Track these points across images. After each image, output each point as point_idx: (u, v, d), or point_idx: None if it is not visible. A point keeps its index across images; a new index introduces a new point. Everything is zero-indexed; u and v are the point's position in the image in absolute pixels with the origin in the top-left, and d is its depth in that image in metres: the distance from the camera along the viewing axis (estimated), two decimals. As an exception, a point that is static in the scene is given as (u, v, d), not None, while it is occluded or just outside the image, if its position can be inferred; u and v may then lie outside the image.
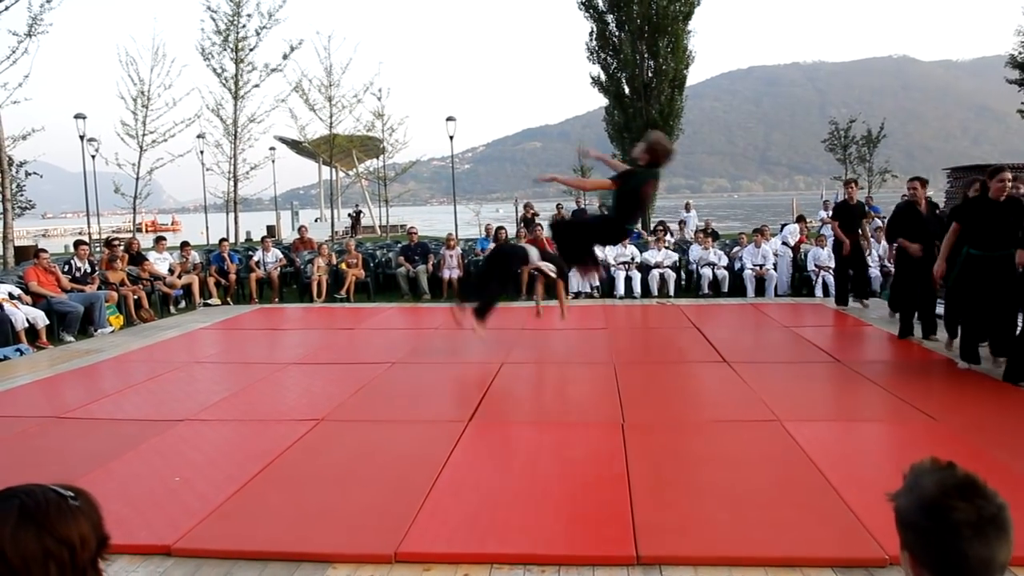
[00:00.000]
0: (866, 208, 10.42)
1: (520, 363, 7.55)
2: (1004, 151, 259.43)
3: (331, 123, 27.00)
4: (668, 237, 14.98)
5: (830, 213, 18.99)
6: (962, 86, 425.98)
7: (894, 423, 5.41)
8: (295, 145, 39.75)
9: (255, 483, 4.33)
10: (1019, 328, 6.56)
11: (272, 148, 37.70)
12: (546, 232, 6.08)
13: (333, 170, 37.31)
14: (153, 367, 7.68)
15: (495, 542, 3.52)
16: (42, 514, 1.09)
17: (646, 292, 12.91)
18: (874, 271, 12.05)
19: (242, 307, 12.53)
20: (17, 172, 17.42)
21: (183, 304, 12.77)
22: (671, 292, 12.93)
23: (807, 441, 4.81)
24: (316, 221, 43.43)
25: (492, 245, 14.11)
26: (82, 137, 23.82)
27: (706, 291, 12.91)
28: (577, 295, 12.74)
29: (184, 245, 14.17)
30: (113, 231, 35.46)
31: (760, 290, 12.77)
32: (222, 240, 14.99)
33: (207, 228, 32.28)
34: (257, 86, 24.40)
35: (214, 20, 23.46)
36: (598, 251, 13.32)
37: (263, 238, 16.22)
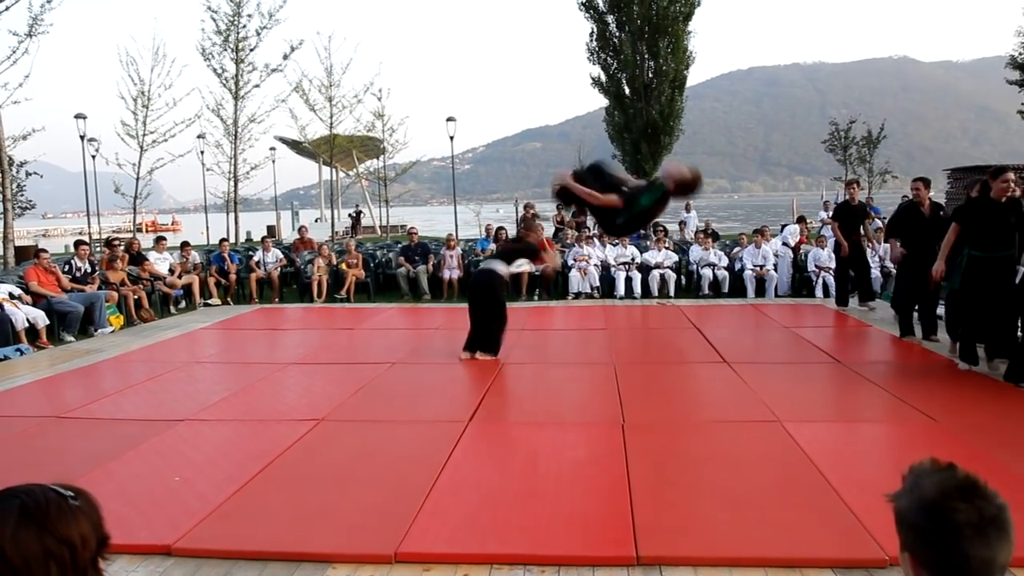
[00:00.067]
0: (868, 209, 10.38)
1: (520, 363, 7.55)
2: (1004, 152, 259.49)
3: (331, 123, 27.00)
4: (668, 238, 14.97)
5: (830, 214, 19.05)
6: (962, 87, 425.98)
7: (894, 424, 5.41)
8: (295, 145, 39.76)
9: (255, 483, 4.33)
10: (1020, 330, 6.56)
11: (272, 148, 37.73)
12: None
13: (333, 170, 37.33)
14: (153, 367, 7.69)
15: (495, 542, 3.52)
16: (42, 514, 1.09)
17: (646, 293, 12.91)
18: (874, 272, 12.04)
19: (242, 307, 12.53)
20: (17, 172, 17.43)
21: (183, 304, 12.77)
22: (671, 293, 12.93)
23: (807, 442, 4.81)
24: (316, 221, 43.45)
25: (492, 246, 14.12)
26: (82, 137, 23.82)
27: (706, 292, 12.91)
28: (577, 295, 12.75)
29: (184, 245, 14.17)
30: (113, 231, 35.47)
31: (760, 291, 12.77)
32: (222, 240, 15.00)
33: (207, 228, 32.28)
34: (257, 86, 24.43)
35: (214, 20, 23.48)
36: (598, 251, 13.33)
37: (263, 238, 16.23)
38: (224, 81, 23.97)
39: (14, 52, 15.83)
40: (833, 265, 12.62)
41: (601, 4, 22.92)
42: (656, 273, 13.07)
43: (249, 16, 23.83)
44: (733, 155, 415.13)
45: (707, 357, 7.61)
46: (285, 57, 24.41)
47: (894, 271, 11.21)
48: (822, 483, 4.12)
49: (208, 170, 26.55)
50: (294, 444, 5.02)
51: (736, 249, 13.78)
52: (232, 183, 25.21)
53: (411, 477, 4.35)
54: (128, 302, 11.25)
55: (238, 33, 23.70)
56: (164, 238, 14.42)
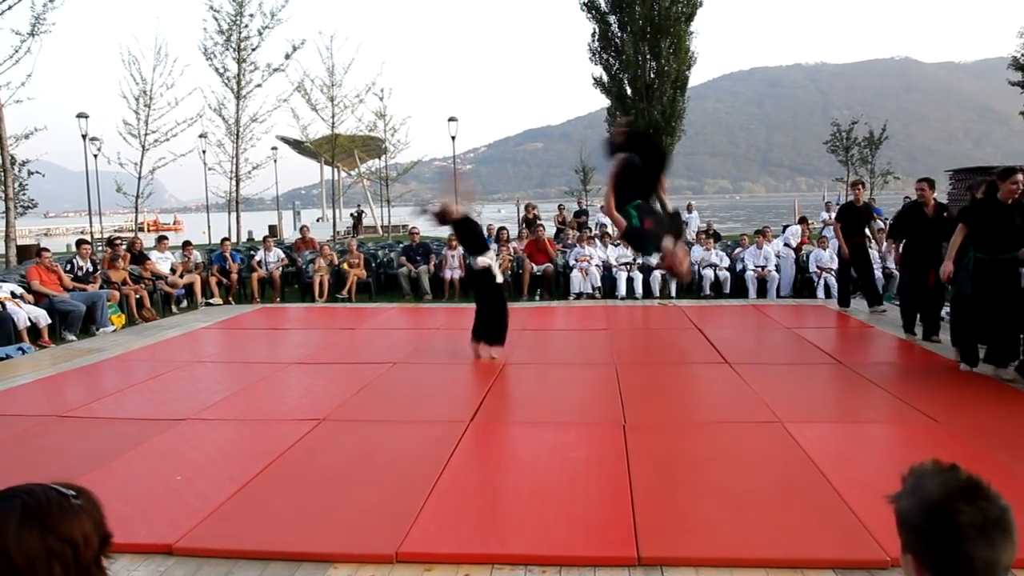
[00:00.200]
0: (872, 210, 10.34)
1: (521, 364, 7.55)
2: (1007, 153, 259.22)
3: (333, 123, 27.00)
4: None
5: (832, 214, 19.04)
6: (964, 88, 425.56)
7: (895, 425, 5.41)
8: (297, 145, 39.77)
9: (256, 483, 4.33)
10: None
11: (274, 148, 37.71)
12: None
13: (335, 170, 37.31)
14: (155, 366, 7.69)
15: (496, 542, 3.52)
16: (45, 513, 1.09)
17: (648, 293, 12.91)
18: (876, 273, 12.02)
19: (244, 307, 12.54)
20: (20, 171, 17.43)
21: (185, 303, 12.78)
22: (672, 293, 12.93)
23: (808, 442, 4.81)
24: (318, 221, 43.43)
25: (494, 246, 14.11)
26: (84, 136, 23.84)
27: (708, 292, 12.90)
28: (579, 295, 12.75)
29: (186, 244, 14.18)
30: (115, 230, 35.50)
31: (762, 291, 12.76)
32: (224, 240, 15.01)
33: (209, 228, 32.30)
34: (259, 86, 24.39)
35: (216, 20, 23.46)
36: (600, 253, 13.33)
37: (265, 238, 16.24)
38: (226, 80, 23.97)
39: (16, 51, 15.84)
40: (835, 266, 12.62)
41: (603, 4, 22.92)
42: (657, 273, 13.05)
43: (251, 16, 23.84)
44: (735, 156, 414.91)
45: (708, 358, 7.61)
46: (287, 57, 24.41)
47: (896, 272, 11.21)
48: (823, 484, 4.12)
49: (210, 169, 26.56)
50: (295, 444, 5.02)
51: (738, 250, 13.78)
52: (234, 183, 25.20)
53: (412, 477, 4.35)
54: (130, 301, 11.26)
55: (240, 33, 23.70)
56: (166, 237, 14.43)
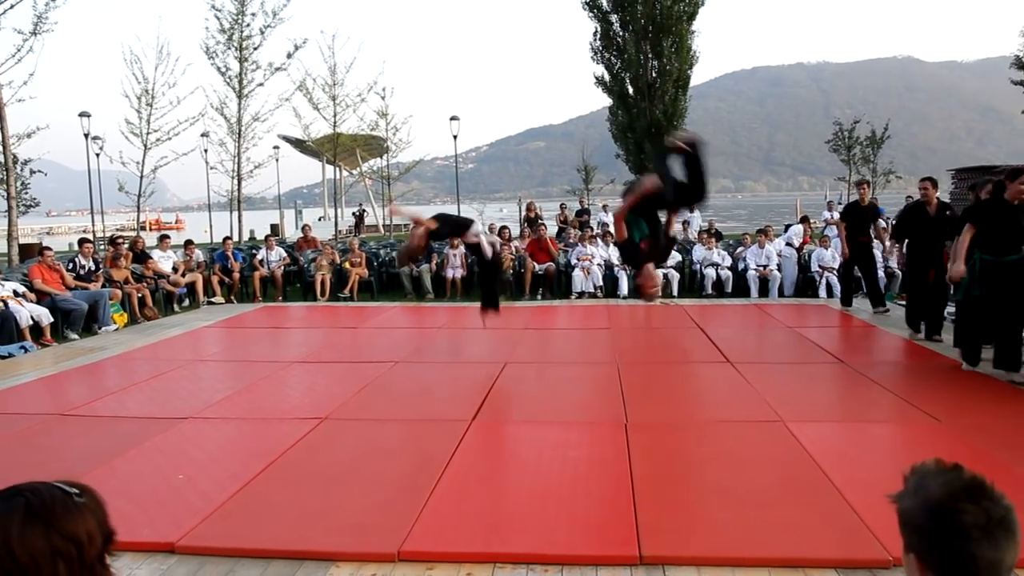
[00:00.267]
0: (879, 210, 10.23)
1: (523, 363, 7.55)
2: (1009, 152, 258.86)
3: (335, 122, 26.99)
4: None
5: (834, 214, 19.01)
6: (967, 87, 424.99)
7: (897, 424, 5.40)
8: (299, 144, 39.76)
9: (258, 481, 4.34)
10: None
11: (276, 147, 37.73)
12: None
13: (337, 169, 37.30)
14: (157, 365, 7.70)
15: (498, 541, 3.52)
16: (48, 511, 1.09)
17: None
18: (879, 272, 12.01)
19: (246, 305, 12.55)
20: (22, 170, 17.43)
21: (187, 302, 12.79)
22: (675, 292, 12.92)
23: (810, 442, 4.80)
24: (320, 220, 43.45)
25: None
26: (86, 135, 23.85)
27: (709, 291, 12.89)
28: (580, 295, 12.75)
29: (188, 243, 14.20)
30: (117, 229, 35.52)
31: (764, 291, 12.76)
32: (226, 238, 15.03)
33: (211, 226, 32.29)
34: (261, 85, 24.40)
35: (218, 19, 23.47)
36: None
37: (267, 237, 16.27)
38: (228, 80, 23.97)
39: (19, 50, 15.86)
40: (837, 265, 12.60)
41: (605, 3, 22.89)
42: (659, 272, 13.04)
43: (253, 15, 23.84)
44: (737, 155, 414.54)
45: (710, 357, 7.60)
46: (289, 56, 24.40)
47: (899, 271, 11.20)
48: (825, 483, 4.12)
49: (212, 168, 26.55)
50: (297, 443, 5.02)
51: (739, 249, 13.77)
52: (236, 181, 25.21)
53: (414, 476, 4.35)
54: (132, 300, 11.27)
55: (242, 32, 23.70)
56: (168, 236, 14.45)
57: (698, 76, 23.83)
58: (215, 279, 13.26)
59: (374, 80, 28.13)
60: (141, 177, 23.32)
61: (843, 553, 3.35)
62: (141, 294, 11.49)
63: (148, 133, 22.86)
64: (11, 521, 1.07)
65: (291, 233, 32.50)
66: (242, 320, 10.80)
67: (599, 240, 13.90)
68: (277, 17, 23.70)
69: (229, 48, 23.69)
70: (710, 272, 13.02)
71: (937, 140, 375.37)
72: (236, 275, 13.53)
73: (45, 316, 9.61)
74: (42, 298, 10.00)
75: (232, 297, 13.36)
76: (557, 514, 3.80)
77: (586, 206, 21.01)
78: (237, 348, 8.84)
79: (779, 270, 12.92)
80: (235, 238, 21.58)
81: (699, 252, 13.71)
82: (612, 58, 23.08)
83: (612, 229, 14.93)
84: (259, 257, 14.09)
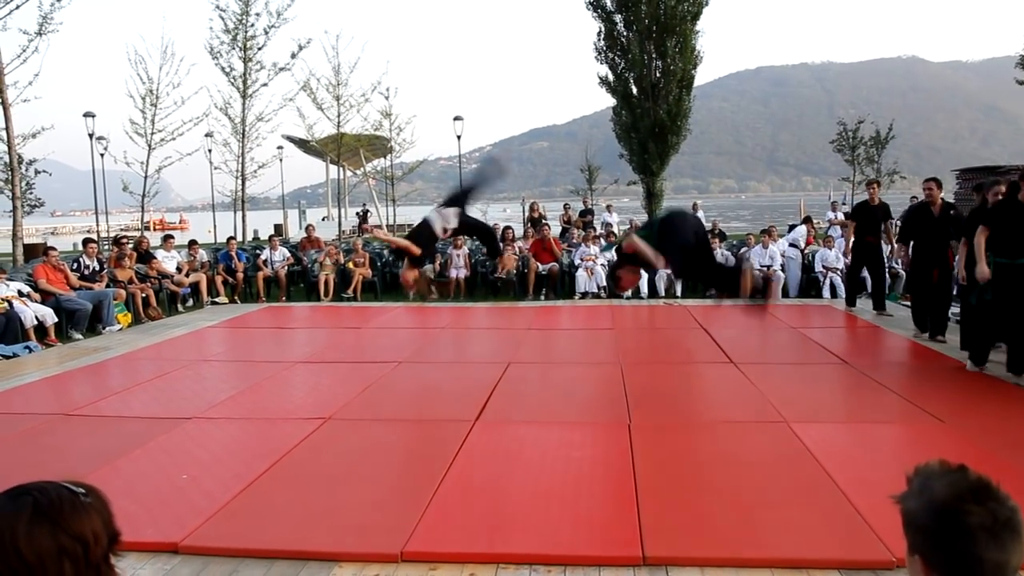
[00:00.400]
0: (890, 210, 10.08)
1: (527, 363, 7.55)
2: (1014, 152, 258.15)
3: (339, 122, 27.02)
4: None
5: (838, 214, 18.98)
6: (971, 87, 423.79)
7: (901, 425, 5.39)
8: (303, 144, 39.83)
9: (262, 481, 4.34)
10: None
11: (280, 147, 37.79)
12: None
13: (340, 169, 37.36)
14: (161, 365, 7.71)
15: (501, 542, 3.52)
16: (55, 511, 1.09)
17: (653, 292, 12.89)
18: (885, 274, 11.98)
19: (249, 305, 12.57)
20: (27, 170, 17.46)
21: (191, 302, 12.81)
22: (678, 293, 12.91)
23: (814, 442, 4.80)
24: (323, 220, 43.48)
25: (500, 246, 14.11)
26: (91, 135, 23.89)
27: (713, 292, 12.85)
28: (584, 295, 12.75)
29: (192, 243, 14.22)
30: (121, 229, 35.57)
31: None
32: (230, 239, 15.06)
33: (215, 227, 32.35)
34: (265, 85, 24.47)
35: (223, 19, 23.53)
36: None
37: (270, 237, 16.28)
38: (232, 80, 24.02)
39: (24, 50, 15.89)
40: (840, 266, 12.58)
41: (609, 3, 22.84)
42: (663, 273, 13.03)
43: (257, 15, 23.88)
44: (740, 155, 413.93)
45: (714, 357, 7.60)
46: (293, 56, 24.44)
47: (903, 272, 11.17)
48: (829, 484, 4.11)
49: (216, 168, 26.63)
50: (301, 443, 5.03)
51: (743, 249, 13.75)
52: (239, 182, 25.26)
53: (417, 476, 4.35)
54: (136, 300, 11.30)
55: (246, 32, 23.75)
56: (172, 236, 14.47)
57: (702, 76, 23.76)
58: (219, 279, 13.28)
59: (378, 80, 28.10)
60: (145, 177, 23.37)
61: (846, 554, 3.35)
62: (145, 294, 11.51)
63: (152, 133, 22.91)
64: (18, 520, 1.07)
65: (295, 233, 32.51)
66: (246, 320, 10.81)
67: (602, 240, 13.89)
68: (281, 17, 23.77)
69: (233, 48, 23.76)
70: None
71: (941, 140, 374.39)
72: (240, 275, 13.55)
73: (49, 316, 9.63)
74: (46, 298, 10.02)
75: (236, 297, 13.38)
76: (560, 514, 3.80)
77: (590, 206, 20.98)
78: (241, 348, 8.85)
79: (783, 270, 12.90)
80: (239, 238, 21.63)
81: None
82: (616, 58, 23.04)
83: (616, 229, 14.93)
84: (263, 257, 14.11)
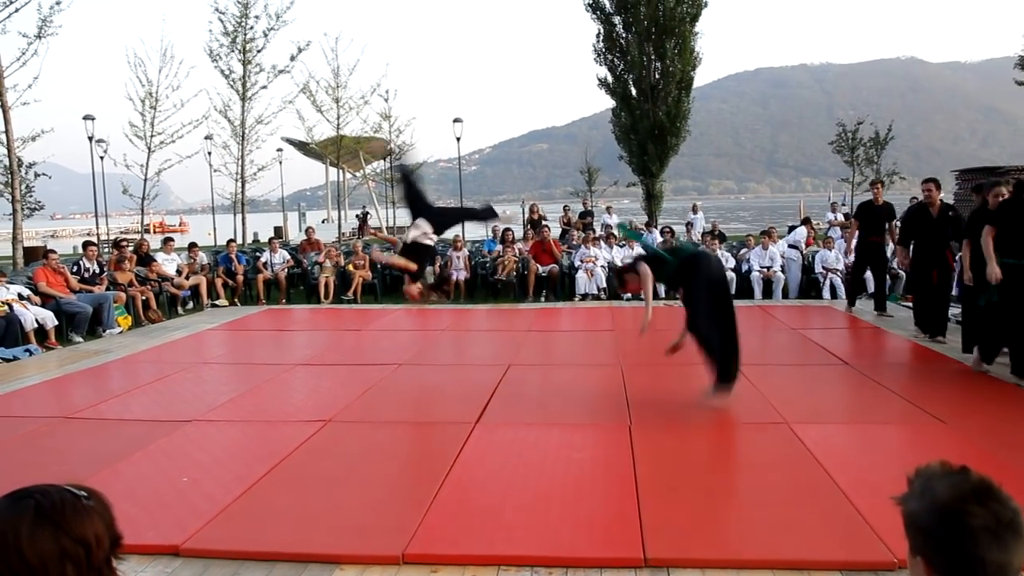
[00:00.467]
0: (895, 211, 10.03)
1: (527, 365, 7.55)
2: (1013, 153, 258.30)
3: (338, 124, 27.04)
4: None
5: (838, 215, 18.98)
6: (970, 88, 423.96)
7: (902, 426, 5.39)
8: (302, 147, 39.82)
9: (262, 484, 4.34)
10: None
11: (279, 149, 37.79)
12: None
13: (340, 171, 37.35)
14: (161, 368, 7.71)
15: (502, 543, 3.52)
16: (58, 514, 1.09)
17: (653, 294, 12.86)
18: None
19: (249, 308, 12.57)
20: (26, 173, 17.47)
21: (191, 305, 12.81)
22: (677, 295, 12.88)
23: (815, 443, 4.80)
24: (323, 222, 43.49)
25: (499, 247, 14.14)
26: (91, 138, 23.90)
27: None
28: (584, 297, 12.75)
29: (192, 246, 14.21)
30: (121, 232, 35.60)
31: (767, 292, 12.73)
32: (229, 241, 15.05)
33: (214, 229, 32.37)
34: (265, 87, 24.46)
35: (222, 22, 23.52)
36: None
37: (270, 239, 16.27)
38: (231, 82, 24.03)
39: (23, 53, 15.91)
40: (840, 267, 12.58)
41: (608, 5, 22.87)
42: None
43: (256, 17, 23.89)
44: (740, 156, 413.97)
45: (714, 359, 7.58)
46: (292, 58, 24.44)
47: (902, 273, 11.16)
48: (830, 485, 4.11)
49: (215, 171, 26.67)
50: (301, 445, 5.03)
51: (743, 250, 13.76)
52: (239, 184, 25.27)
53: (418, 478, 4.36)
54: (136, 303, 11.30)
55: (245, 34, 23.76)
56: (172, 239, 14.47)
57: (701, 77, 23.78)
58: (219, 282, 13.29)
59: (377, 82, 28.18)
60: (145, 180, 23.37)
61: (847, 555, 3.35)
62: (145, 297, 11.51)
63: (152, 136, 22.92)
64: (21, 523, 1.07)
65: (295, 235, 32.54)
66: (246, 323, 10.81)
67: (602, 242, 13.90)
68: (280, 20, 23.76)
69: (233, 51, 23.77)
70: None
71: (941, 141, 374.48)
72: (240, 278, 13.55)
73: (50, 319, 9.63)
74: (47, 301, 10.02)
75: (236, 300, 13.38)
76: (561, 516, 3.80)
77: (589, 208, 20.99)
78: (241, 351, 8.85)
79: (783, 271, 12.89)
80: (239, 241, 21.61)
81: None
82: (615, 60, 23.06)
83: (616, 231, 14.92)
84: (263, 260, 14.11)
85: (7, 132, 15.63)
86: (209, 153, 27.05)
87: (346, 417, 5.72)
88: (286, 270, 13.98)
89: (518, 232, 16.37)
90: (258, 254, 15.02)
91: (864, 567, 3.26)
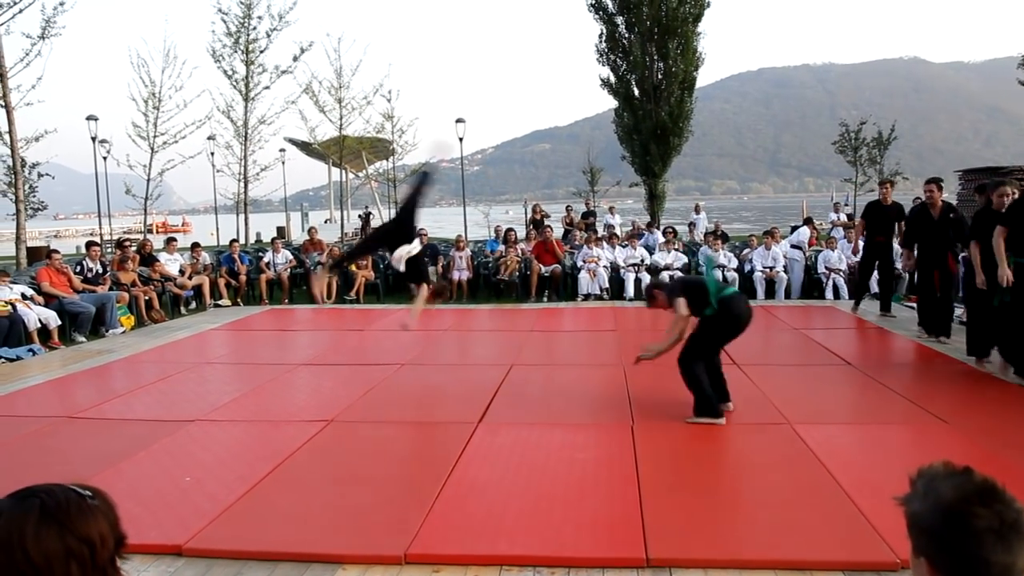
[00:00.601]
0: (904, 211, 9.98)
1: (529, 365, 7.55)
2: (1016, 153, 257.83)
3: (341, 125, 27.03)
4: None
5: (840, 215, 18.95)
6: (973, 88, 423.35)
7: (905, 426, 5.38)
8: (305, 147, 39.87)
9: (265, 484, 4.35)
10: None
11: (282, 150, 37.83)
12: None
13: (343, 172, 37.40)
14: (164, 368, 7.72)
15: (505, 543, 3.52)
16: (63, 513, 1.10)
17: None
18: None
19: (252, 308, 12.58)
20: (30, 173, 17.48)
21: (193, 305, 12.82)
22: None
23: (817, 444, 4.80)
24: (326, 222, 43.55)
25: (501, 247, 14.15)
26: (94, 139, 23.91)
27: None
28: (587, 297, 12.74)
29: (195, 246, 14.23)
30: (124, 232, 35.65)
31: (770, 292, 12.72)
32: (232, 241, 15.06)
33: (217, 229, 32.41)
34: (267, 88, 24.41)
35: (225, 22, 23.50)
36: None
37: (273, 239, 16.28)
38: (234, 83, 24.02)
39: (27, 54, 15.92)
40: (843, 267, 12.56)
41: (610, 5, 22.86)
42: (665, 275, 13.02)
43: (259, 18, 23.86)
44: (742, 156, 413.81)
45: (717, 359, 7.58)
46: (295, 59, 24.43)
47: (905, 274, 11.13)
48: (832, 485, 4.11)
49: (218, 171, 26.62)
50: (304, 445, 5.03)
51: (746, 251, 13.75)
52: (242, 184, 25.27)
53: (421, 478, 4.36)
54: (139, 303, 11.31)
55: (248, 35, 23.74)
56: (175, 239, 14.47)
57: (704, 78, 23.75)
58: (222, 282, 13.30)
59: (380, 83, 28.07)
60: (148, 180, 23.39)
61: (850, 555, 3.35)
62: (148, 297, 11.53)
63: (155, 136, 22.92)
64: (26, 522, 1.07)
65: (297, 235, 32.57)
66: (248, 323, 10.82)
67: (604, 242, 13.89)
68: (283, 20, 23.73)
69: (235, 51, 23.75)
70: (716, 274, 12.96)
71: (944, 141, 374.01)
72: (242, 278, 13.56)
73: (53, 319, 9.65)
74: (50, 301, 10.04)
75: (238, 300, 13.39)
76: (563, 516, 3.80)
77: (592, 208, 20.99)
78: (244, 351, 8.86)
79: (785, 272, 12.88)
80: (241, 241, 21.62)
81: (705, 254, 13.68)
82: (618, 60, 23.04)
83: (618, 231, 14.90)
84: (265, 260, 14.12)
85: (11, 133, 15.65)
86: (212, 153, 27.05)
87: (348, 417, 5.73)
88: (289, 270, 13.99)
89: (520, 232, 16.37)
90: (261, 254, 15.02)
91: (866, 567, 3.26)
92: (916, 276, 8.96)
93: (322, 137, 29.21)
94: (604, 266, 13.10)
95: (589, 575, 3.28)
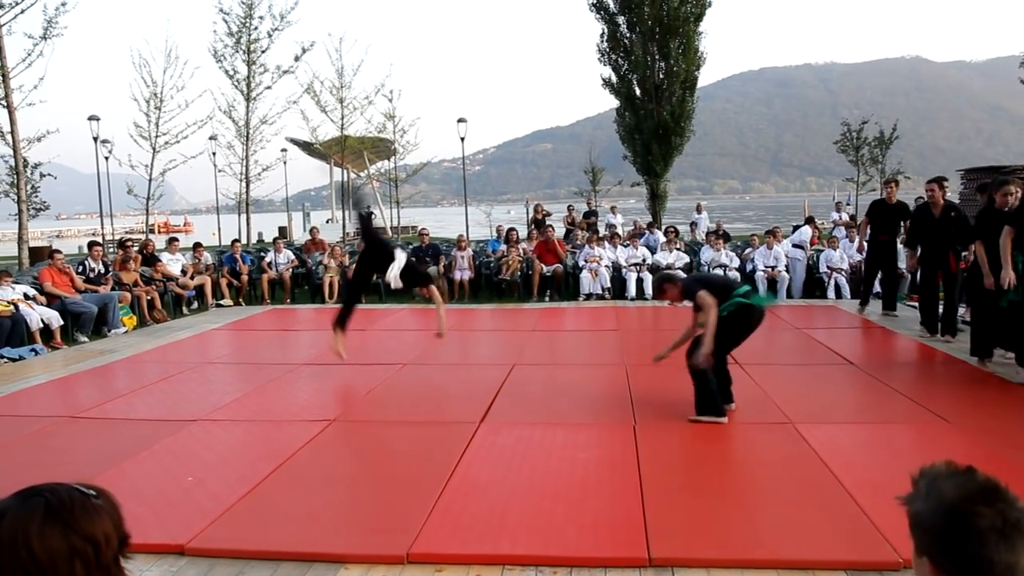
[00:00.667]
0: (909, 210, 9.95)
1: (531, 364, 7.55)
2: (1018, 152, 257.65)
3: (342, 125, 27.05)
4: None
5: (842, 215, 18.93)
6: (975, 87, 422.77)
7: (907, 425, 5.38)
8: (307, 147, 39.86)
9: (267, 483, 4.35)
10: None
11: (284, 150, 37.87)
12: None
13: (345, 172, 37.38)
14: (166, 367, 7.73)
15: (507, 543, 3.52)
16: (67, 512, 1.10)
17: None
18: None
19: (254, 308, 12.59)
20: (32, 173, 17.50)
21: (195, 305, 12.83)
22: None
23: (819, 443, 4.79)
24: (328, 222, 43.55)
25: (503, 247, 14.15)
26: (96, 139, 23.95)
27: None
28: (588, 296, 12.74)
29: (196, 246, 14.24)
30: (126, 232, 35.68)
31: (772, 292, 12.71)
32: (234, 241, 15.06)
33: (219, 229, 32.44)
34: (269, 88, 24.41)
35: (226, 22, 23.50)
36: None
37: (275, 239, 16.28)
38: (236, 83, 24.02)
39: (29, 55, 15.93)
40: (845, 266, 12.55)
41: (612, 5, 22.86)
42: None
43: (261, 18, 23.87)
44: (744, 156, 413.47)
45: (718, 358, 7.57)
46: (296, 59, 24.44)
47: (907, 274, 11.11)
48: (835, 484, 4.11)
49: (220, 171, 26.63)
50: (306, 445, 5.04)
51: (748, 250, 13.74)
52: (244, 184, 25.28)
53: (423, 478, 4.36)
54: (141, 303, 11.32)
55: (250, 35, 23.75)
56: (177, 239, 14.49)
57: (705, 77, 23.76)
58: (223, 282, 13.30)
59: (381, 83, 28.09)
60: (150, 180, 23.41)
61: (852, 555, 3.35)
62: (150, 297, 11.54)
63: (157, 136, 22.93)
64: (31, 521, 1.08)
65: (299, 235, 32.60)
66: (250, 322, 10.83)
67: (606, 242, 13.89)
68: (285, 20, 23.74)
69: (237, 51, 23.74)
70: (717, 273, 12.96)
71: (946, 140, 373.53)
72: (244, 278, 13.57)
73: (55, 319, 9.66)
74: (52, 301, 10.05)
75: (240, 300, 13.40)
76: (566, 515, 3.80)
77: (594, 208, 20.98)
78: (246, 350, 8.87)
79: (787, 271, 12.87)
80: (243, 241, 21.60)
81: (707, 253, 13.67)
82: (619, 60, 23.03)
83: (620, 230, 14.88)
84: (267, 260, 14.13)
85: (13, 133, 15.66)
86: (213, 153, 27.07)
87: (350, 417, 5.73)
88: (290, 270, 14.00)
89: (522, 232, 16.37)
90: (263, 254, 15.03)
91: (869, 567, 3.26)
92: (919, 275, 8.95)
93: (324, 137, 29.21)
94: (606, 266, 13.09)
95: (591, 574, 3.28)
